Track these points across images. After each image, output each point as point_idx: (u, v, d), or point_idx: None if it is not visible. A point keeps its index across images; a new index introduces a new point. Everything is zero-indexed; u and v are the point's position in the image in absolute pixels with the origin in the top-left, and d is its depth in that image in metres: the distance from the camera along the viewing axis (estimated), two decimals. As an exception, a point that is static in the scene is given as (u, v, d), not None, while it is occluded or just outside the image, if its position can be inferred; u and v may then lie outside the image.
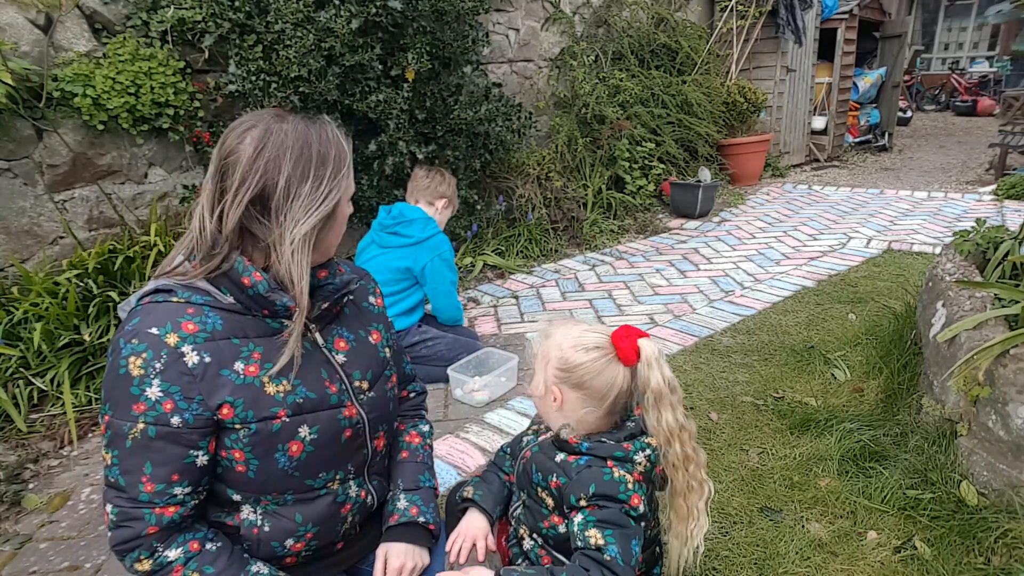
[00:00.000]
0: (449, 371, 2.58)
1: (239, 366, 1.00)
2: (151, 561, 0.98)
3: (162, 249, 2.95)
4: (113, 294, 2.73)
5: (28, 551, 1.85)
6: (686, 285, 3.90)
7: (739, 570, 1.64)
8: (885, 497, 1.85)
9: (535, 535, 1.24)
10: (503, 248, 4.42)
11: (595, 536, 1.07)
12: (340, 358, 1.14)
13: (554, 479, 1.16)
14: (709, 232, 5.11)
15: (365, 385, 1.16)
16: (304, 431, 1.05)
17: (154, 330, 0.95)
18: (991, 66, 13.78)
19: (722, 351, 2.92)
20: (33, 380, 2.52)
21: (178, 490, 0.99)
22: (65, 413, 2.42)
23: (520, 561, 1.28)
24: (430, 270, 2.68)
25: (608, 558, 1.04)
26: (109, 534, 0.99)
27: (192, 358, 0.96)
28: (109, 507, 0.98)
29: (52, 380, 2.53)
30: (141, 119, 2.99)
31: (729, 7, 6.45)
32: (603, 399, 1.14)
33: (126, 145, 3.06)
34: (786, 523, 1.79)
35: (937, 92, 13.63)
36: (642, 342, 1.13)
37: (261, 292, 1.00)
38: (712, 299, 3.64)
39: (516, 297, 3.80)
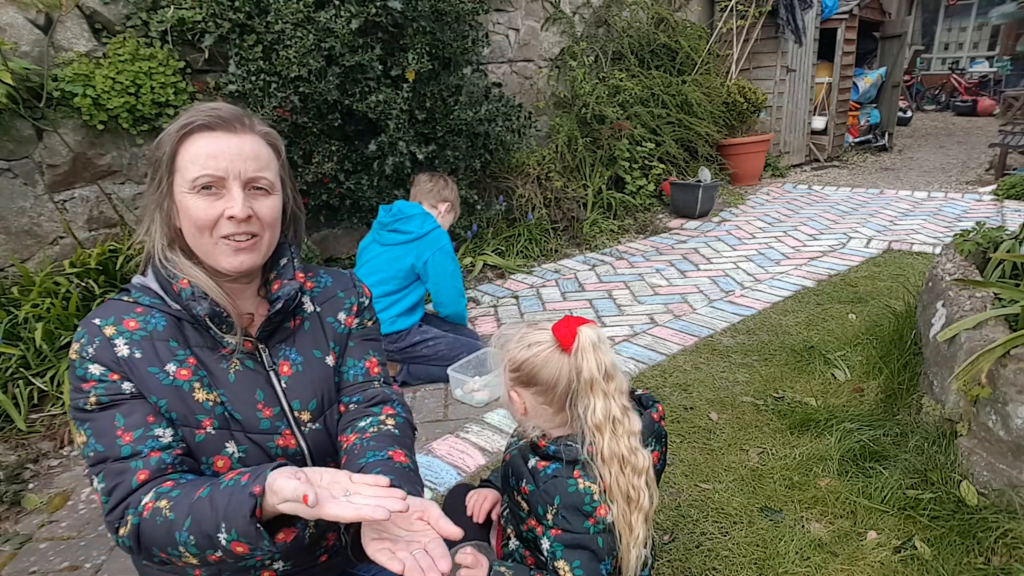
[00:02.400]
0: (449, 371, 2.58)
1: (171, 367, 0.98)
2: (133, 514, 0.88)
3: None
4: (113, 294, 2.73)
5: (28, 551, 1.85)
6: (686, 285, 3.90)
7: (739, 570, 1.64)
8: (885, 497, 1.85)
9: (518, 537, 1.25)
10: (503, 248, 4.42)
11: (563, 568, 1.07)
12: (283, 383, 1.06)
13: (523, 484, 1.16)
14: (709, 232, 5.11)
15: (307, 416, 1.07)
16: (232, 447, 1.00)
17: (96, 320, 0.97)
18: (991, 66, 13.78)
19: (722, 351, 2.92)
20: (33, 380, 2.52)
21: (159, 431, 0.94)
22: (65, 413, 2.42)
23: (508, 560, 1.29)
24: (432, 265, 2.68)
25: None
26: (104, 516, 0.91)
27: (122, 350, 0.96)
28: (95, 481, 0.92)
29: (52, 380, 2.53)
30: (141, 119, 2.99)
31: (729, 7, 6.45)
32: (552, 390, 1.13)
33: (126, 145, 3.06)
34: (786, 523, 1.79)
35: (937, 92, 13.63)
36: (582, 328, 1.10)
37: (183, 299, 0.98)
38: (712, 299, 3.63)
39: (516, 297, 3.80)
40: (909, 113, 11.10)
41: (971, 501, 1.76)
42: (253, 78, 3.09)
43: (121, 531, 0.89)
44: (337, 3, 3.15)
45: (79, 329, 0.97)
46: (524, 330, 1.18)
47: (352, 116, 3.44)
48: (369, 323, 1.22)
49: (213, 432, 0.99)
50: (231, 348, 1.02)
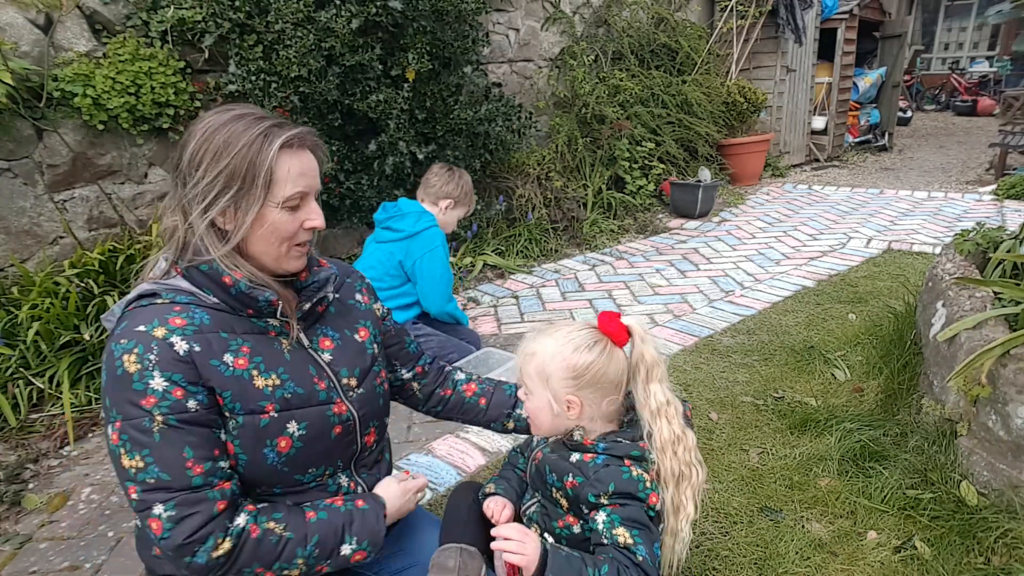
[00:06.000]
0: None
1: (228, 358, 1.01)
2: (229, 538, 0.95)
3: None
4: (113, 294, 2.73)
5: (28, 551, 1.85)
6: (686, 285, 3.90)
7: (739, 570, 1.64)
8: (885, 497, 1.85)
9: (547, 534, 1.24)
10: (503, 248, 4.42)
11: (623, 535, 1.07)
12: (326, 356, 1.15)
13: (570, 479, 1.15)
14: (709, 232, 5.11)
15: (354, 382, 1.17)
16: (293, 427, 1.05)
17: (141, 327, 0.96)
18: (991, 66, 13.77)
19: (722, 351, 2.91)
20: (33, 380, 2.52)
21: (223, 463, 0.99)
22: (64, 413, 2.42)
23: None
24: (419, 266, 2.63)
25: (640, 559, 1.05)
26: (164, 539, 0.92)
27: (181, 346, 0.96)
28: (160, 508, 0.92)
29: (51, 380, 2.53)
30: (141, 119, 2.99)
31: (729, 7, 6.45)
32: (619, 386, 1.16)
33: (126, 145, 3.06)
34: (786, 523, 1.79)
35: (937, 92, 13.63)
36: (627, 320, 1.14)
37: (243, 289, 1.01)
38: (712, 299, 3.63)
39: (516, 297, 3.80)
40: (909, 113, 11.09)
41: (971, 501, 1.76)
42: (253, 78, 3.09)
43: (215, 553, 0.94)
44: (337, 3, 3.15)
45: (122, 341, 0.94)
46: (564, 334, 1.16)
47: (352, 116, 3.44)
48: (385, 308, 1.36)
49: (276, 415, 1.03)
50: (276, 331, 1.09)
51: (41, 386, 2.51)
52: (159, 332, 0.95)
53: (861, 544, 1.71)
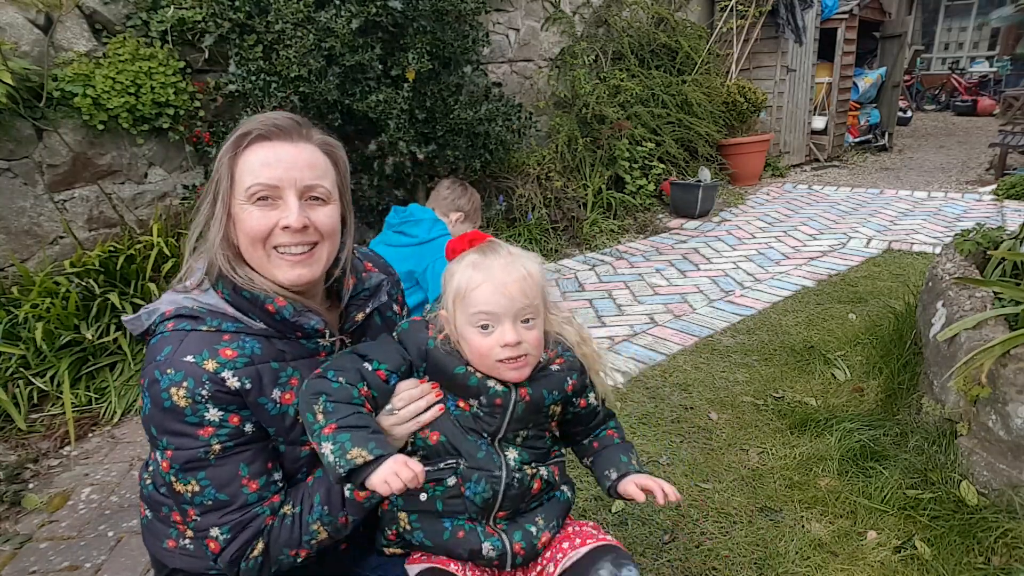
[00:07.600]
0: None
1: (276, 393, 0.98)
2: (260, 538, 0.97)
3: (164, 250, 2.94)
4: (114, 294, 2.73)
5: (28, 551, 1.85)
6: (686, 285, 3.90)
7: (739, 570, 1.64)
8: (885, 497, 1.85)
9: (535, 463, 1.13)
10: (503, 248, 4.42)
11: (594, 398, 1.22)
12: None
13: (569, 382, 1.13)
14: (709, 232, 5.11)
15: None
16: None
17: (190, 358, 0.91)
18: (991, 66, 13.77)
19: (722, 351, 2.92)
20: (33, 380, 2.52)
21: (276, 475, 0.99)
22: (65, 413, 2.42)
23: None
24: (431, 273, 2.65)
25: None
26: (220, 557, 0.95)
27: (233, 383, 0.93)
28: (216, 531, 0.94)
29: (52, 379, 2.53)
30: (141, 119, 2.99)
31: (729, 7, 6.45)
32: None
33: (126, 145, 3.06)
34: (786, 523, 1.79)
35: (937, 92, 13.63)
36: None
37: (287, 316, 0.97)
38: (712, 299, 3.63)
39: (516, 297, 3.80)
40: (909, 113, 11.09)
41: (971, 501, 1.76)
42: (253, 78, 3.09)
43: (252, 554, 0.96)
44: (337, 3, 3.15)
45: (168, 372, 0.90)
46: (507, 251, 1.11)
47: (352, 116, 3.44)
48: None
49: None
50: (327, 351, 1.05)
51: (42, 386, 2.51)
52: (210, 365, 0.91)
53: (861, 544, 1.71)
